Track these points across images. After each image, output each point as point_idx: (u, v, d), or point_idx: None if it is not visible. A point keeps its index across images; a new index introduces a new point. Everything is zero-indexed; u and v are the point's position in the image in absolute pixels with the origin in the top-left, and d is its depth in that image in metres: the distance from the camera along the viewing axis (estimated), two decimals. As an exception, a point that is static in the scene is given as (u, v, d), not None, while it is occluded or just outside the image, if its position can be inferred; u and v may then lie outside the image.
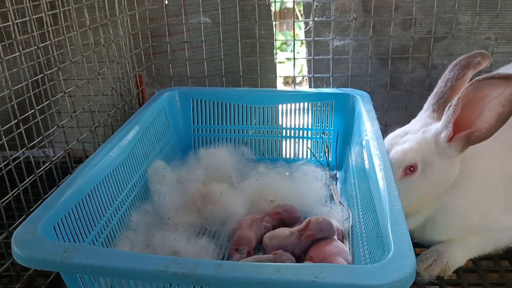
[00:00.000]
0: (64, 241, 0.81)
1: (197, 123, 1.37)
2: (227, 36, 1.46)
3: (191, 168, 1.19)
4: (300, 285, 0.62)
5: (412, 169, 0.94)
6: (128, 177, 1.06)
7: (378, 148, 0.96)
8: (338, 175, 1.28)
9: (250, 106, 1.34)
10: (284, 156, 1.37)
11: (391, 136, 1.01)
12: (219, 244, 1.01)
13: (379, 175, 0.86)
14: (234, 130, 1.36)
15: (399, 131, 1.01)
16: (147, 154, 1.17)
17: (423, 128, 0.97)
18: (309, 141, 1.36)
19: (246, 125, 1.36)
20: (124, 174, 1.05)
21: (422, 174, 0.94)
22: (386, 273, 0.62)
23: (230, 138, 1.36)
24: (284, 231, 0.99)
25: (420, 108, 1.43)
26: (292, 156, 1.36)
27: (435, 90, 1.02)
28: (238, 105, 1.34)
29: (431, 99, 1.02)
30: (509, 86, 0.81)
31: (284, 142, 1.38)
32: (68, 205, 0.84)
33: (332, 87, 1.44)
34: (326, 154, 1.32)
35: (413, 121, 1.04)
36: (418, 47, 1.46)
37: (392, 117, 1.49)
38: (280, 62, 1.47)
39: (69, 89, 1.08)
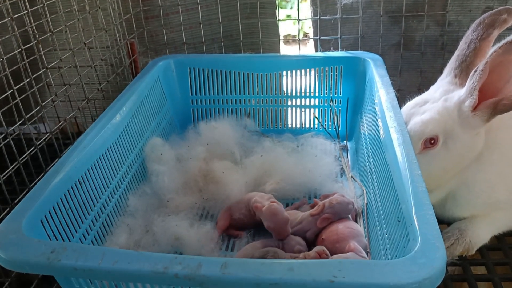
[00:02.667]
0: (54, 235, 0.74)
1: (196, 94, 1.27)
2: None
3: (191, 145, 1.11)
4: (316, 286, 0.55)
5: (432, 141, 0.85)
6: (123, 157, 0.98)
7: (396, 119, 0.87)
8: (348, 146, 1.20)
9: (252, 74, 1.24)
10: (290, 126, 1.28)
11: (408, 105, 0.92)
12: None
13: (398, 150, 0.78)
14: (235, 100, 1.27)
15: (417, 99, 0.92)
16: (143, 130, 1.09)
17: (444, 96, 0.88)
18: (316, 109, 1.26)
19: (249, 94, 1.26)
20: (119, 154, 0.97)
21: (444, 147, 0.86)
22: (414, 269, 0.55)
23: (232, 109, 1.27)
24: (295, 214, 0.92)
25: (434, 70, 1.33)
26: (298, 126, 1.28)
27: (456, 52, 0.92)
28: (239, 73, 1.24)
29: (452, 63, 0.92)
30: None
31: (289, 111, 1.29)
32: (57, 194, 0.76)
33: (340, 50, 1.33)
34: (335, 123, 1.23)
35: (432, 87, 0.94)
36: (432, 3, 1.34)
37: (404, 80, 1.39)
38: (279, 20, 1.35)
39: (51, 64, 0.98)
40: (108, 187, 0.91)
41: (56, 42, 1.01)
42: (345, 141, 1.21)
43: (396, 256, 0.67)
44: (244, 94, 1.26)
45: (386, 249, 0.74)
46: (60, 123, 1.02)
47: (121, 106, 1.00)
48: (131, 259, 0.59)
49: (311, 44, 1.48)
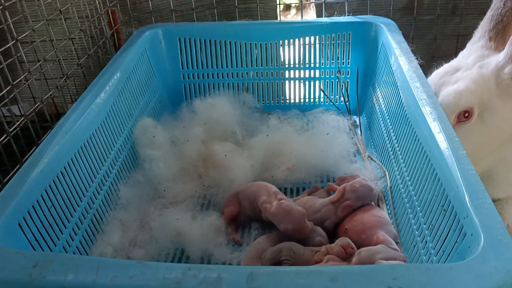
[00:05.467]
0: (36, 239, 0.62)
1: (187, 67, 1.14)
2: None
3: (187, 125, 0.99)
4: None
5: (467, 114, 0.76)
6: (110, 142, 0.86)
7: (424, 90, 0.76)
8: (360, 121, 1.09)
9: (250, 44, 1.12)
10: (293, 101, 1.17)
11: (437, 74, 0.82)
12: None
13: (434, 126, 0.67)
14: (231, 73, 1.15)
15: (446, 67, 0.82)
16: (131, 110, 0.96)
17: (479, 63, 0.78)
18: (322, 82, 1.15)
19: (246, 67, 1.14)
20: (105, 138, 0.84)
21: (480, 120, 0.76)
22: (485, 273, 0.45)
23: (228, 83, 1.15)
24: (312, 202, 0.81)
25: (444, 36, 1.22)
26: (302, 102, 1.16)
27: (490, 12, 0.81)
28: (235, 42, 1.12)
29: (486, 25, 0.81)
30: None
31: (292, 85, 1.17)
32: (37, 190, 0.64)
33: (348, 15, 1.20)
34: (345, 97, 1.12)
35: (461, 53, 0.84)
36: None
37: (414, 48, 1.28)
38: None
39: (22, 35, 0.83)
40: (95, 178, 0.79)
41: (27, 9, 0.87)
42: (355, 116, 1.10)
43: (444, 252, 0.58)
44: (241, 66, 1.14)
45: (426, 242, 0.64)
46: (36, 105, 0.88)
47: (105, 84, 0.87)
48: (134, 273, 0.47)
49: (312, 12, 1.36)
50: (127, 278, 0.47)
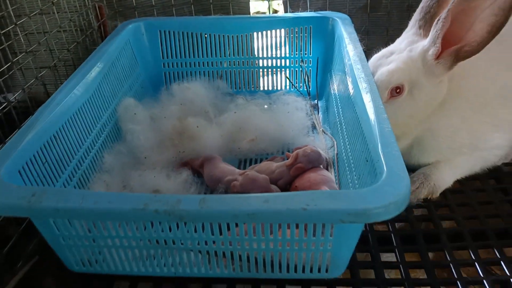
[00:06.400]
0: (32, 186, 0.75)
1: (167, 57, 1.27)
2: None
3: (165, 105, 1.12)
4: (291, 214, 0.58)
5: (398, 90, 0.89)
6: (96, 116, 0.99)
7: (363, 70, 0.90)
8: (319, 104, 1.23)
9: (223, 36, 1.25)
10: (262, 88, 1.30)
11: (375, 57, 0.96)
12: (200, 180, 0.97)
13: (366, 98, 0.81)
14: (207, 63, 1.28)
15: (384, 51, 0.96)
16: (115, 91, 1.09)
17: (409, 47, 0.92)
18: (288, 70, 1.29)
19: (220, 56, 1.27)
20: (92, 113, 0.97)
21: (409, 95, 0.90)
22: (381, 195, 0.58)
23: (204, 71, 1.28)
24: (269, 165, 0.95)
25: (400, 31, 1.37)
26: (271, 88, 1.30)
27: (421, 4, 0.95)
28: (210, 35, 1.25)
29: (417, 15, 0.95)
30: (504, -8, 0.76)
31: (261, 73, 1.31)
32: (33, 147, 0.77)
33: (309, 11, 1.35)
34: (306, 83, 1.26)
35: (398, 40, 0.98)
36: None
37: (372, 41, 1.43)
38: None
39: (20, 21, 0.96)
40: (83, 144, 0.92)
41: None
42: (316, 100, 1.24)
43: (365, 191, 0.71)
44: (215, 56, 1.27)
45: (356, 188, 0.78)
46: (29, 84, 1.00)
47: (92, 67, 1.00)
48: (112, 199, 0.61)
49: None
50: (106, 202, 0.60)
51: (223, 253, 0.71)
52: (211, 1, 1.36)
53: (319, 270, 0.73)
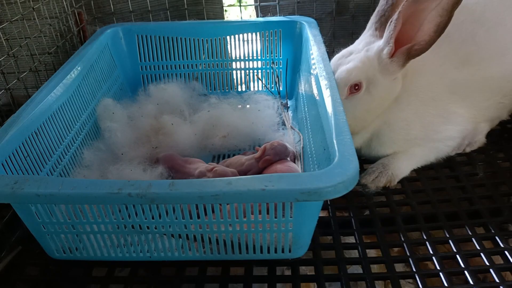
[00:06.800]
0: (15, 178, 0.80)
1: (145, 60, 1.33)
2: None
3: (142, 105, 1.18)
4: (251, 194, 0.65)
5: (357, 87, 0.97)
6: (76, 115, 1.04)
7: (325, 69, 0.97)
8: (289, 103, 1.30)
9: (198, 39, 1.32)
10: (235, 88, 1.37)
11: (336, 57, 1.03)
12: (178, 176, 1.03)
13: (326, 93, 0.88)
14: (183, 65, 1.34)
15: (344, 51, 1.03)
16: (94, 92, 1.14)
17: (366, 47, 0.99)
18: (260, 71, 1.36)
19: (196, 59, 1.34)
20: (71, 112, 1.02)
21: (367, 91, 0.97)
22: (331, 176, 0.65)
23: (180, 74, 1.34)
24: (239, 158, 1.01)
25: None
26: (243, 88, 1.37)
27: (377, 8, 1.03)
28: (185, 39, 1.31)
29: (373, 18, 1.03)
30: (448, -5, 0.84)
31: (235, 74, 1.38)
32: (15, 142, 0.82)
33: (279, 16, 1.43)
34: (277, 83, 1.33)
35: (357, 41, 1.06)
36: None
37: (339, 44, 1.50)
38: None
39: (1, 26, 1.02)
40: (63, 141, 0.97)
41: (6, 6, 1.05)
42: (286, 100, 1.31)
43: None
44: (191, 59, 1.34)
45: (316, 176, 0.85)
46: (11, 84, 1.05)
47: (71, 69, 1.05)
48: (89, 184, 0.66)
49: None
50: (83, 187, 0.66)
51: (194, 237, 0.78)
52: (185, 7, 1.43)
53: (282, 251, 0.79)
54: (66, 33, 1.29)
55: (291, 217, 0.73)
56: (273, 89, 1.35)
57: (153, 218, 0.73)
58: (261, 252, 0.79)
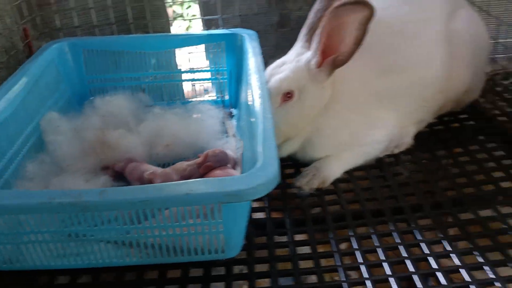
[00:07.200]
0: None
1: (92, 74, 1.36)
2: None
3: (87, 118, 1.21)
4: (177, 199, 0.69)
5: (289, 95, 1.03)
6: (20, 129, 1.06)
7: (259, 79, 1.03)
8: (234, 112, 1.36)
9: (144, 53, 1.36)
10: (182, 99, 1.42)
11: (270, 67, 1.09)
12: (119, 184, 1.06)
13: (257, 102, 0.94)
14: (130, 78, 1.38)
15: (277, 62, 1.10)
16: (39, 106, 1.16)
17: (297, 57, 1.06)
18: (206, 82, 1.41)
19: (142, 72, 1.38)
20: (15, 126, 1.04)
21: (298, 100, 1.04)
22: (252, 179, 0.71)
23: (127, 86, 1.38)
24: (182, 164, 1.06)
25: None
26: (189, 99, 1.41)
27: (307, 22, 1.10)
28: (131, 52, 1.35)
29: (304, 30, 1.10)
30: (360, 10, 0.91)
31: (181, 85, 1.42)
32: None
33: (223, 28, 1.49)
34: (222, 94, 1.39)
35: (289, 52, 1.12)
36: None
37: (283, 54, 1.58)
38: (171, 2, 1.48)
39: None
40: (6, 155, 0.99)
41: None
42: (231, 109, 1.37)
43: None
44: (138, 71, 1.37)
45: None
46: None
47: (15, 83, 1.07)
48: (20, 195, 0.70)
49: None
50: (15, 198, 0.69)
51: (131, 242, 0.81)
52: (131, 21, 1.47)
53: (216, 252, 0.84)
54: (11, 49, 1.31)
55: (220, 220, 0.78)
56: (218, 99, 1.40)
57: (88, 226, 0.76)
58: (196, 254, 0.84)
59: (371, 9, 0.91)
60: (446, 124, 1.27)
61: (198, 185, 0.70)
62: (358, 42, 0.95)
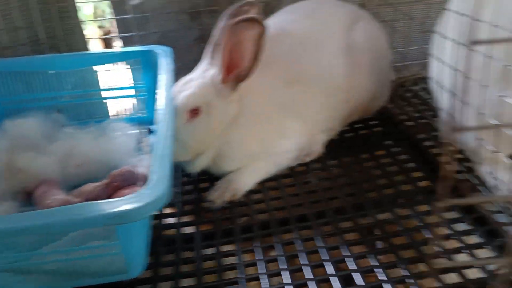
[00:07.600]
0: None
1: (5, 96, 1.33)
2: (23, 4, 1.41)
3: (-5, 141, 1.18)
4: (65, 224, 0.69)
5: (196, 111, 1.05)
6: None
7: (166, 96, 1.04)
8: (154, 129, 1.36)
9: (60, 72, 1.34)
10: (98, 117, 1.40)
11: (178, 84, 1.11)
12: (28, 209, 1.04)
13: (161, 119, 0.95)
14: (47, 98, 1.35)
15: (185, 78, 1.11)
16: None
17: (203, 74, 1.08)
18: (126, 99, 1.40)
19: (59, 91, 1.36)
20: None
21: (206, 115, 1.05)
22: (140, 199, 0.72)
23: (43, 106, 1.35)
24: (89, 186, 1.05)
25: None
26: (107, 117, 1.41)
27: (211, 38, 1.13)
28: (46, 72, 1.33)
29: (209, 48, 1.13)
30: (253, 27, 0.95)
31: (105, 104, 1.41)
32: None
33: (141, 45, 1.49)
34: (141, 110, 1.39)
35: (196, 68, 1.14)
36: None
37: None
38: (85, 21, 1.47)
39: None
40: None
41: None
42: (151, 126, 1.36)
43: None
44: (55, 91, 1.35)
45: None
46: None
47: None
48: None
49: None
50: None
51: (28, 269, 0.80)
52: (43, 42, 1.44)
53: (118, 273, 0.84)
54: None
55: (117, 240, 0.78)
56: (138, 116, 1.40)
57: (-23, 255, 0.75)
58: (98, 276, 0.83)
59: (262, 26, 0.94)
60: (356, 131, 1.33)
61: (86, 209, 0.70)
62: (257, 57, 0.98)
